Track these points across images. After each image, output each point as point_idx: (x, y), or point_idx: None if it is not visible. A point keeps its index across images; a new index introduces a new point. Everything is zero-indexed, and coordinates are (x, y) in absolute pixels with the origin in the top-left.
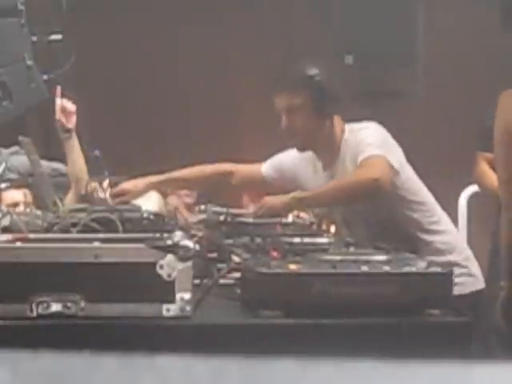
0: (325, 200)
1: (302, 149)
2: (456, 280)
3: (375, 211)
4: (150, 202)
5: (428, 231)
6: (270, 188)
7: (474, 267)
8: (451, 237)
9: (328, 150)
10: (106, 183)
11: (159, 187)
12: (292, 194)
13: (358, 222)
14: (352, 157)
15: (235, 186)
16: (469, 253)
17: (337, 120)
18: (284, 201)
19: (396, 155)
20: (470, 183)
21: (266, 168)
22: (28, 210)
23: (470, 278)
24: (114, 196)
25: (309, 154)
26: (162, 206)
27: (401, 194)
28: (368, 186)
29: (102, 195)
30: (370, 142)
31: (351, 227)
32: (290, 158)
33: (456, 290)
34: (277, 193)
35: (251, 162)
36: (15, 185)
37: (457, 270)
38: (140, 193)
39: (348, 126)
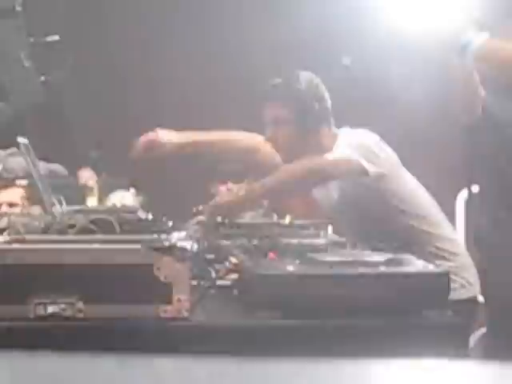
0: (266, 195)
1: (285, 161)
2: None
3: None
4: (130, 198)
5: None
6: None
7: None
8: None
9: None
10: None
11: (185, 150)
12: (240, 192)
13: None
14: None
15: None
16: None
17: (326, 132)
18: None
19: (376, 161)
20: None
21: None
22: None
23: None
24: (144, 148)
25: None
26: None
27: (392, 201)
28: (326, 169)
29: None
30: (342, 144)
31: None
32: None
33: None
34: None
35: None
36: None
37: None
38: (167, 151)
39: (341, 137)
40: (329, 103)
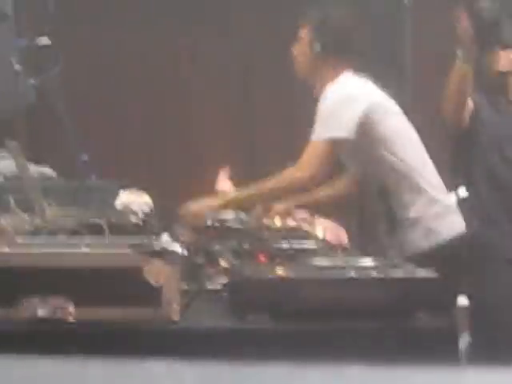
0: (256, 201)
1: (299, 75)
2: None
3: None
4: (141, 199)
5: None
6: None
7: None
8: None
9: (318, 91)
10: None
11: (238, 205)
12: (221, 199)
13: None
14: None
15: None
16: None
17: (333, 68)
18: (213, 205)
19: (351, 115)
20: (460, 185)
21: None
22: None
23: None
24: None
25: None
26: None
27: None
28: (292, 187)
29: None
30: (320, 116)
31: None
32: None
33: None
34: None
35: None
36: None
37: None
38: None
39: (336, 81)
40: (352, 43)
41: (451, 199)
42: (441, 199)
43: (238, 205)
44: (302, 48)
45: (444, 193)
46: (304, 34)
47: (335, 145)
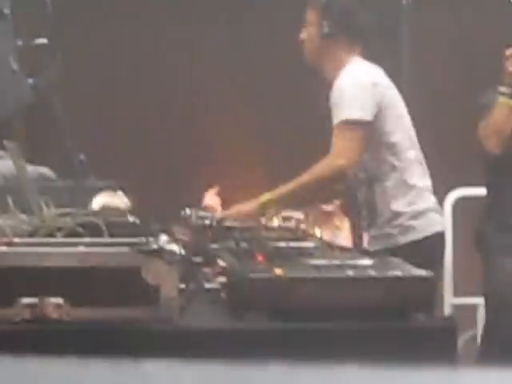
0: (294, 200)
1: (308, 61)
2: None
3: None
4: (117, 200)
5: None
6: None
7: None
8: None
9: (328, 75)
10: None
11: (277, 205)
12: (261, 199)
13: None
14: (332, 104)
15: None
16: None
17: (342, 51)
18: (253, 208)
19: (372, 100)
20: (456, 186)
21: None
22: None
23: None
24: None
25: None
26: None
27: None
28: (335, 176)
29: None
30: (341, 99)
31: None
32: None
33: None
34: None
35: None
36: None
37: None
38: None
39: (349, 65)
40: (359, 25)
41: (432, 198)
42: (425, 197)
43: (277, 205)
44: (310, 32)
45: (429, 191)
46: (311, 17)
47: (364, 127)
